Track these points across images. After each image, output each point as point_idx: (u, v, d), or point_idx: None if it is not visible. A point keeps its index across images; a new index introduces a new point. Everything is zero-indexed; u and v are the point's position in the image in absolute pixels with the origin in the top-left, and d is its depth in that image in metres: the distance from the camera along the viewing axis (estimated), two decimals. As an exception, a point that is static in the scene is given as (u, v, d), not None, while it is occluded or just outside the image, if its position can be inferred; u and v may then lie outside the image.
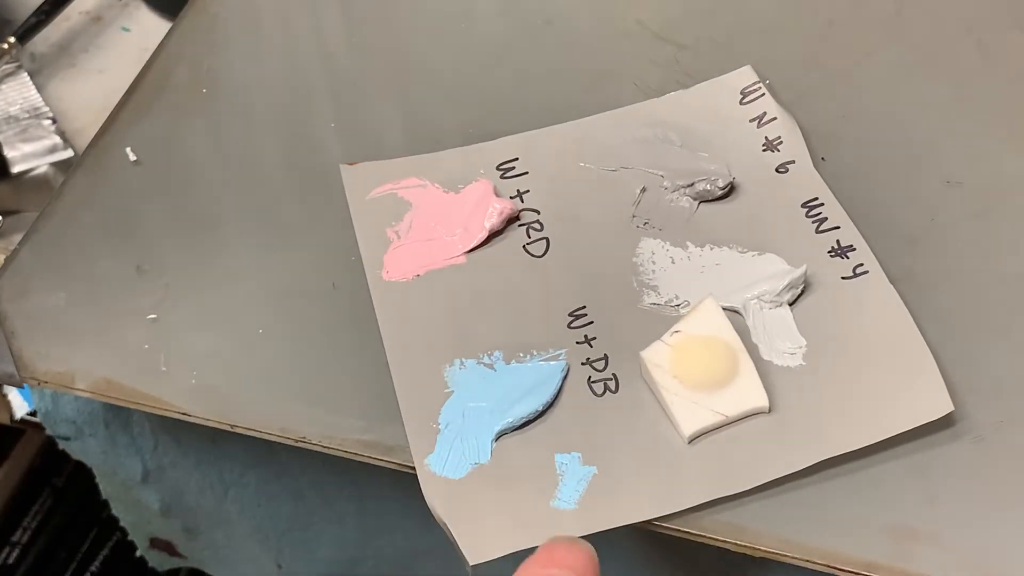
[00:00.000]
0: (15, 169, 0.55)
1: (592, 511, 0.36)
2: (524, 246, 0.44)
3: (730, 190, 0.44)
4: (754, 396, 0.37)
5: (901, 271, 0.41)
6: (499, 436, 0.38)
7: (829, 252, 0.42)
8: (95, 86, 0.59)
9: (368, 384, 0.41)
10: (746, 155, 0.46)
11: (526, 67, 0.51)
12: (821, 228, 0.43)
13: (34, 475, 0.84)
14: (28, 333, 0.44)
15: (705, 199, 0.44)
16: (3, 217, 0.53)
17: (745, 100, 0.48)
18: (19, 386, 0.51)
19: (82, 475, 0.63)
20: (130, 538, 0.63)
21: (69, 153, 0.55)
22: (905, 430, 0.37)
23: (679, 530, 0.36)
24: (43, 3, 0.61)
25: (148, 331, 0.43)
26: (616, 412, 0.39)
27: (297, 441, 0.39)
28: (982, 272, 0.42)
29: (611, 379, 0.40)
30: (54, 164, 0.55)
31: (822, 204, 0.44)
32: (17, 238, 0.47)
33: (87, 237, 0.47)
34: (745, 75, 0.48)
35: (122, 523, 0.61)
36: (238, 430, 0.40)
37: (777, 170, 0.45)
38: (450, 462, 0.38)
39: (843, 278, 0.41)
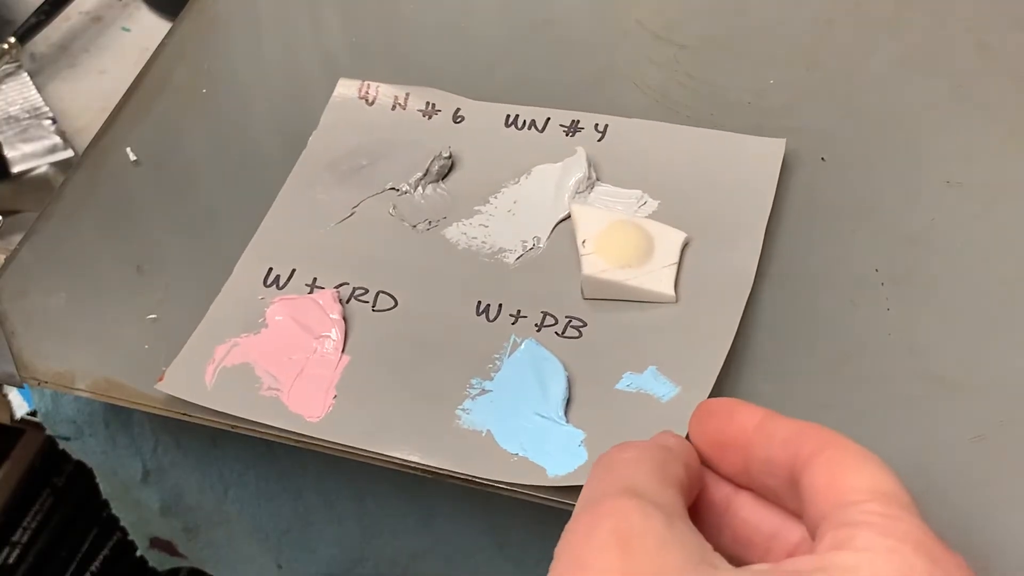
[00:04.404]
0: (15, 169, 0.55)
1: (696, 379, 0.37)
2: (372, 311, 0.42)
3: (452, 158, 0.46)
4: (678, 237, 0.41)
5: (901, 271, 0.41)
6: (566, 416, 0.37)
7: (566, 134, 0.45)
8: (95, 86, 0.59)
9: (368, 384, 0.41)
10: (422, 133, 0.47)
11: (526, 67, 0.51)
12: (539, 128, 0.46)
13: (34, 475, 0.84)
14: (28, 333, 0.44)
15: (444, 175, 0.46)
16: (3, 217, 0.52)
17: (371, 102, 0.49)
18: (19, 386, 0.51)
19: (82, 475, 0.63)
20: (130, 538, 0.62)
21: (69, 153, 0.55)
22: (777, 173, 0.43)
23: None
24: (43, 3, 0.61)
25: (148, 331, 0.43)
26: (610, 330, 0.39)
27: (297, 441, 0.39)
28: (982, 272, 0.42)
29: (570, 319, 0.40)
30: (54, 164, 0.55)
31: (517, 116, 0.47)
32: (17, 238, 0.47)
33: (87, 237, 0.47)
34: (348, 85, 0.49)
35: (122, 523, 0.61)
36: (238, 430, 0.40)
37: (426, 116, 0.48)
38: (562, 461, 0.36)
39: (598, 141, 0.45)
